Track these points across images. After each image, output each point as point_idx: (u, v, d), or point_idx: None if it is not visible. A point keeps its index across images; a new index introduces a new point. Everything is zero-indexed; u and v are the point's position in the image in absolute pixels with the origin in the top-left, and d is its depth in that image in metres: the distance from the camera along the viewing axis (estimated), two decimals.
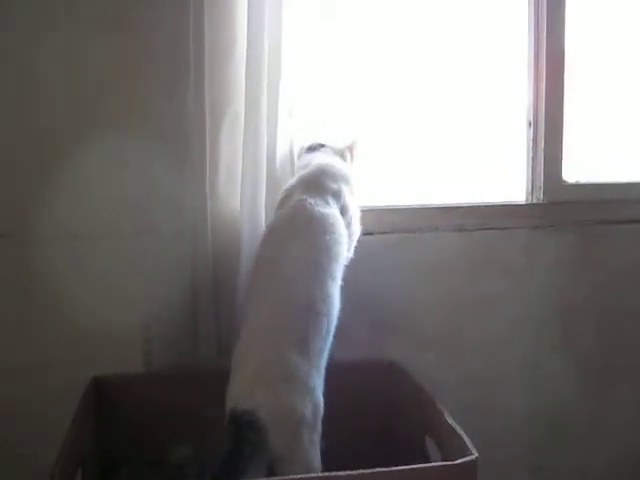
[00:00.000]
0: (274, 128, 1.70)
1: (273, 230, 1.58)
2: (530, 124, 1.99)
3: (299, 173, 1.67)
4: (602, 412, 2.05)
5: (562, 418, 2.01)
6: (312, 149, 1.74)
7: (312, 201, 1.55)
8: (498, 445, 1.81)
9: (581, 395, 2.02)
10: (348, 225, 1.62)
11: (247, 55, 1.67)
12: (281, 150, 1.73)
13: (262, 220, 1.73)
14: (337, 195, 1.60)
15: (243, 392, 1.36)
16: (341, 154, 1.75)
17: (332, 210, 1.57)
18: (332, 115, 1.91)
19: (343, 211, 1.61)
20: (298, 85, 1.74)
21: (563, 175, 2.01)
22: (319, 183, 1.60)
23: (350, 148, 1.76)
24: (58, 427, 1.39)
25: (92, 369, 1.69)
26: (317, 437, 1.38)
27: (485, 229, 1.95)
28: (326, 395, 1.42)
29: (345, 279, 1.79)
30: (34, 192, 1.73)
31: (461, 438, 1.35)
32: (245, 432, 1.30)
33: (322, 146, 1.74)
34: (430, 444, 1.51)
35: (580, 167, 2.04)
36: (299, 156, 1.77)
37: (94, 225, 1.76)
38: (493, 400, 1.95)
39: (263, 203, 1.72)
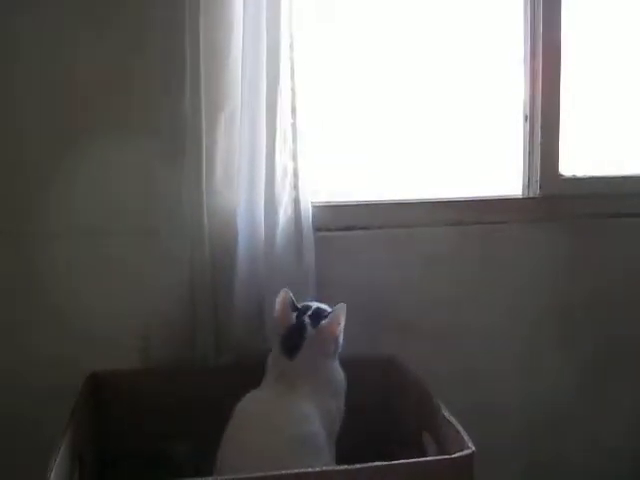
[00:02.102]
0: (273, 123, 1.69)
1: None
2: (526, 118, 1.98)
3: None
4: (599, 406, 2.05)
5: (559, 412, 2.01)
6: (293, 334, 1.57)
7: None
8: (495, 440, 1.81)
9: (578, 389, 2.01)
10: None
11: (244, 51, 1.67)
12: (279, 146, 1.72)
13: (259, 216, 1.73)
14: None
15: None
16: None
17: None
18: (336, 108, 1.91)
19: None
20: (300, 81, 1.73)
21: (560, 169, 2.00)
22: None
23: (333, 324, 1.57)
24: (56, 423, 1.39)
25: (90, 365, 1.69)
26: None
27: (481, 223, 1.95)
28: None
29: (342, 273, 1.82)
30: (30, 190, 1.73)
31: (458, 432, 1.35)
32: None
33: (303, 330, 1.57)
34: (427, 439, 1.51)
35: (577, 161, 2.03)
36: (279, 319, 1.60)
37: (90, 222, 1.76)
38: (490, 395, 1.95)
39: (261, 199, 1.72)
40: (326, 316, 1.57)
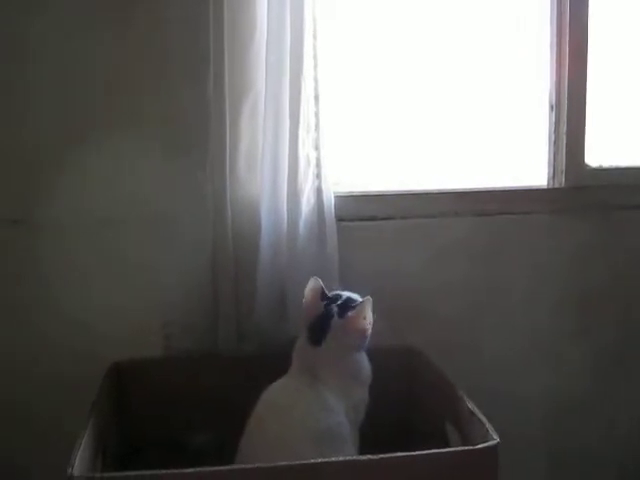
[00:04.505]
0: (296, 112, 1.69)
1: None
2: (552, 107, 1.96)
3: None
4: (620, 398, 2.04)
5: (580, 403, 2.00)
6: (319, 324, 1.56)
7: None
8: (514, 430, 1.79)
9: (599, 380, 2.01)
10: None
11: (267, 39, 1.67)
12: (302, 135, 1.71)
13: (282, 205, 1.72)
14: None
15: None
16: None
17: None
18: (358, 98, 1.90)
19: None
20: (324, 69, 1.72)
21: (585, 159, 1.98)
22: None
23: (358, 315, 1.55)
24: (79, 412, 1.40)
25: (112, 354, 1.69)
26: None
27: (506, 214, 1.93)
28: None
29: (364, 264, 1.81)
30: (52, 178, 1.73)
31: (482, 423, 1.34)
32: None
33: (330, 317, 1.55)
34: (450, 429, 1.50)
35: (603, 151, 2.01)
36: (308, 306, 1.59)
37: (114, 211, 1.76)
38: (511, 385, 1.93)
39: (284, 188, 1.72)
40: (354, 307, 1.56)
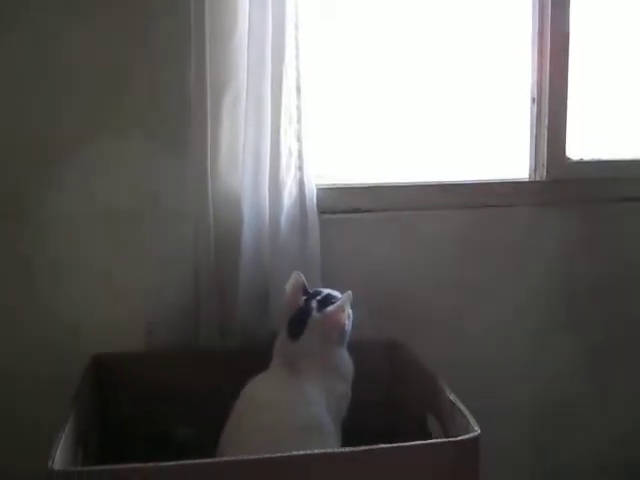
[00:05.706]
0: (278, 104, 1.68)
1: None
2: (534, 100, 1.97)
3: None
4: (606, 393, 2.05)
5: (566, 399, 2.01)
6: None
7: None
8: (500, 426, 1.80)
9: (585, 376, 2.01)
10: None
11: (249, 30, 1.65)
12: (284, 127, 1.70)
13: (264, 198, 1.72)
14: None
15: None
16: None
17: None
18: (340, 90, 1.90)
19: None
20: (305, 61, 1.71)
21: (567, 152, 1.98)
22: None
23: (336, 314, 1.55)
24: (59, 405, 1.39)
25: (94, 348, 1.68)
26: None
27: (488, 206, 1.93)
28: None
29: (346, 256, 1.81)
30: (31, 172, 1.72)
31: (463, 415, 1.34)
32: None
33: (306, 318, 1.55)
34: (432, 422, 1.50)
35: (584, 144, 2.02)
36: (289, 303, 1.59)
37: (94, 206, 1.75)
38: (496, 381, 1.94)
39: (265, 181, 1.71)
40: (334, 303, 1.56)
